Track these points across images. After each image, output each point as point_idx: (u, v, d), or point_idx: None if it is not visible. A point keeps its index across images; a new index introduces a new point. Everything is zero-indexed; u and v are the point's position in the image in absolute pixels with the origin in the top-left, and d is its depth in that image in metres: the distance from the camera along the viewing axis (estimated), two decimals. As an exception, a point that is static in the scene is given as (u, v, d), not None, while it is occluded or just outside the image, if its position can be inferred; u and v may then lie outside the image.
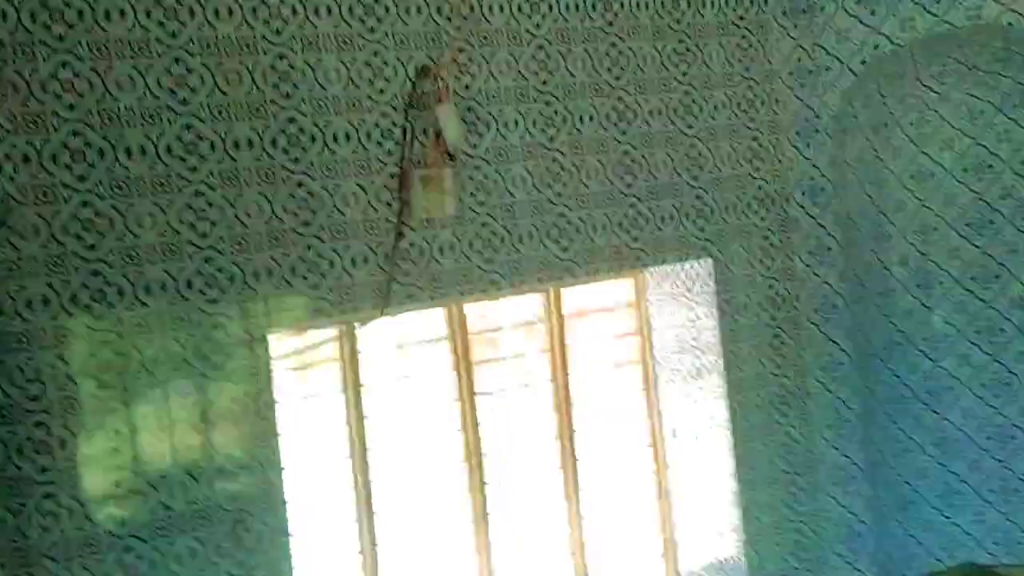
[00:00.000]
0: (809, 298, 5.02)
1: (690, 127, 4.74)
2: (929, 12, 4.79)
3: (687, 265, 4.80)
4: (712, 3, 4.81)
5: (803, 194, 5.01)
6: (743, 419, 4.85)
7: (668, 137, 4.69)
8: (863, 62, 4.91)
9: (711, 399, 4.87)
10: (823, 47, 4.96)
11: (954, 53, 5.00)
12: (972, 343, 5.28)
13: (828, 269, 5.03)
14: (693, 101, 4.75)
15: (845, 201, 5.11)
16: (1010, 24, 4.67)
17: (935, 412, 5.30)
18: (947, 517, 5.27)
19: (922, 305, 5.33)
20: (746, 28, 4.93)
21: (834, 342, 5.03)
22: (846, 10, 4.91)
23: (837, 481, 5.02)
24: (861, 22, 4.89)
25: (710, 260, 4.80)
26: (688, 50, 4.74)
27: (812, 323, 5.02)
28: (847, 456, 5.02)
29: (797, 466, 4.98)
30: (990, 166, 5.19)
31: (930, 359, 5.32)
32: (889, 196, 5.32)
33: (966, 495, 5.26)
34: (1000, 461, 5.22)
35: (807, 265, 5.02)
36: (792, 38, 4.98)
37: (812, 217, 5.02)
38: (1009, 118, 5.11)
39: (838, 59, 4.94)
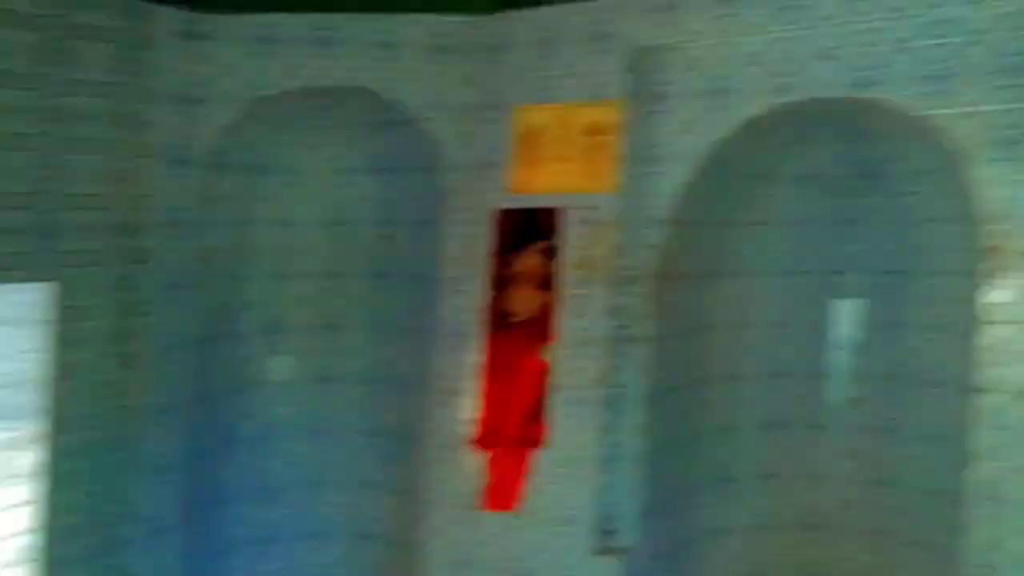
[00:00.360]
0: (156, 335, 4.71)
1: (49, 134, 4.13)
2: (312, 67, 4.85)
3: (25, 288, 4.15)
4: (100, 3, 4.28)
5: (164, 226, 4.70)
6: (61, 466, 4.32)
7: (22, 140, 4.02)
8: (246, 102, 4.81)
9: (28, 443, 4.26)
10: (208, 78, 4.74)
11: (329, 108, 5.15)
12: (304, 391, 5.45)
13: (179, 306, 4.79)
14: (60, 106, 4.16)
15: (208, 239, 4.93)
16: (377, 92, 4.92)
17: (260, 459, 5.35)
18: (261, 565, 5.34)
19: (264, 351, 5.36)
20: (131, 39, 4.48)
21: (173, 384, 4.78)
22: (237, 47, 4.76)
23: (149, 532, 4.74)
24: (249, 62, 4.79)
25: (52, 284, 4.21)
26: (64, 48, 4.14)
27: (155, 362, 4.71)
28: (163, 504, 4.79)
29: (110, 516, 4.59)
30: (347, 222, 5.43)
31: (264, 405, 5.36)
32: (252, 239, 5.27)
33: (280, 542, 5.39)
34: (312, 507, 5.45)
35: (158, 300, 4.71)
36: (178, 62, 4.68)
37: (170, 251, 4.73)
38: (369, 180, 5.39)
39: (221, 94, 4.76)
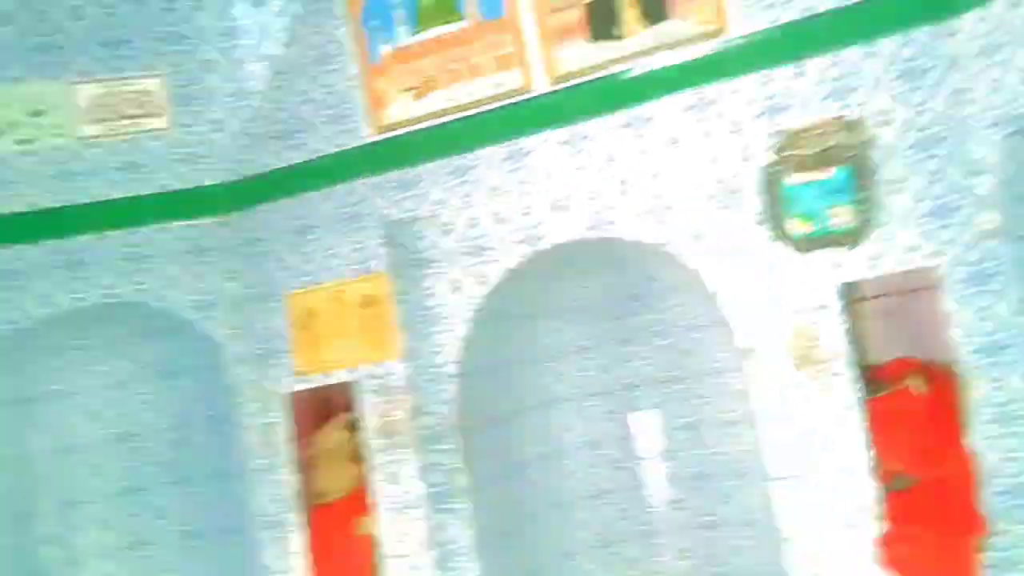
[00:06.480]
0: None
1: None
2: (67, 291, 4.69)
3: None
4: None
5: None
6: None
7: None
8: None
9: None
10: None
11: (95, 327, 4.95)
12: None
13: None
14: None
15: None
16: (142, 303, 4.83)
17: None
18: None
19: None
20: None
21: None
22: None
23: None
24: (-5, 297, 4.59)
25: None
26: None
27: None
28: None
29: None
30: (136, 435, 5.20)
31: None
32: (33, 473, 5.00)
33: None
34: None
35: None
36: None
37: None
38: (151, 388, 5.21)
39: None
